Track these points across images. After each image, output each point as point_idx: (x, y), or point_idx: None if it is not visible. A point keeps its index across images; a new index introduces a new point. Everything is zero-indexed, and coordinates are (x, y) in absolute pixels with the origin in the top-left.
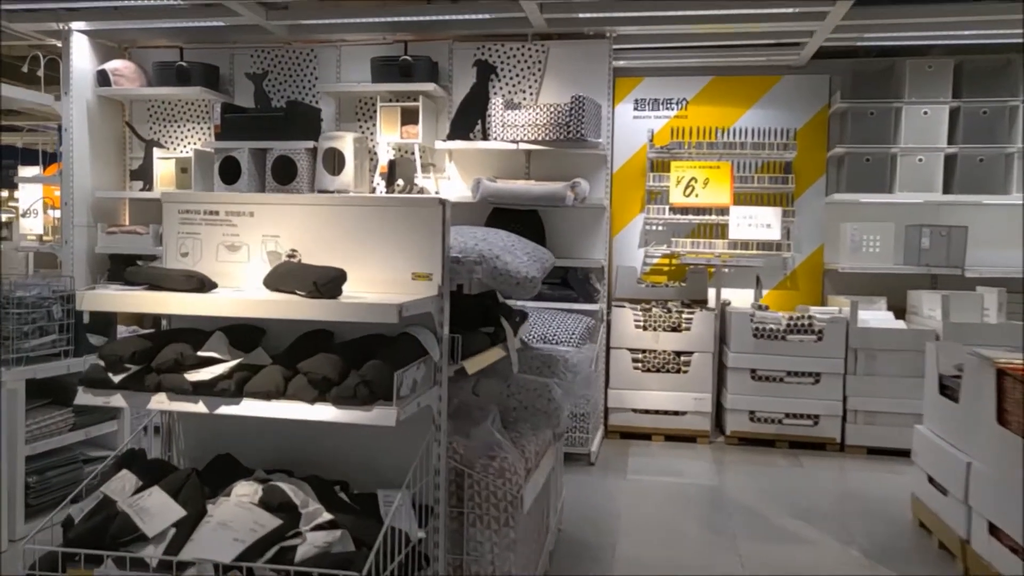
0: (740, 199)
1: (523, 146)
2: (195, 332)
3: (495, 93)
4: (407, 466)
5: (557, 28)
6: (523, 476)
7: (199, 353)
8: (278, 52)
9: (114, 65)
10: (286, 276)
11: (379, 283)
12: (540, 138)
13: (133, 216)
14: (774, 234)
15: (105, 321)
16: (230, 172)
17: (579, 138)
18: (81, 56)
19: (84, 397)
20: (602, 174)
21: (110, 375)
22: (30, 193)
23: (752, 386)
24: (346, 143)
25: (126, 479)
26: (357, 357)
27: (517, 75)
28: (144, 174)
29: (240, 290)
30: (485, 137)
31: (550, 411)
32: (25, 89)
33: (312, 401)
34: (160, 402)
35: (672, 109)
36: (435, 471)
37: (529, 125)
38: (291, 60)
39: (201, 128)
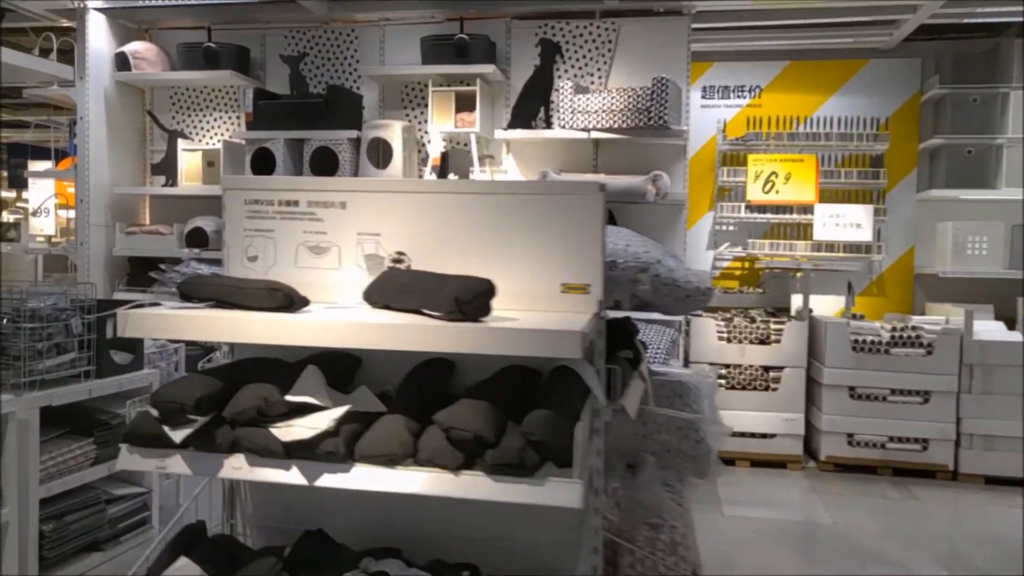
0: (824, 196)
1: (595, 134)
2: (272, 364)
3: (559, 76)
4: (548, 541)
5: (628, 4)
6: (698, 551)
7: (289, 397)
8: (315, 32)
9: (135, 47)
10: (404, 290)
11: (516, 298)
12: (616, 125)
13: (154, 215)
14: (864, 235)
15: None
16: (263, 165)
17: (661, 125)
18: (98, 37)
19: (130, 460)
20: (680, 166)
21: (167, 429)
22: (41, 190)
23: (851, 406)
24: (394, 132)
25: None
26: (501, 401)
27: (583, 56)
28: (167, 168)
29: (337, 306)
30: (548, 125)
31: (699, 455)
32: (37, 58)
33: (456, 469)
34: (237, 468)
35: (744, 97)
36: (592, 550)
37: (603, 111)
38: (329, 41)
39: (229, 117)
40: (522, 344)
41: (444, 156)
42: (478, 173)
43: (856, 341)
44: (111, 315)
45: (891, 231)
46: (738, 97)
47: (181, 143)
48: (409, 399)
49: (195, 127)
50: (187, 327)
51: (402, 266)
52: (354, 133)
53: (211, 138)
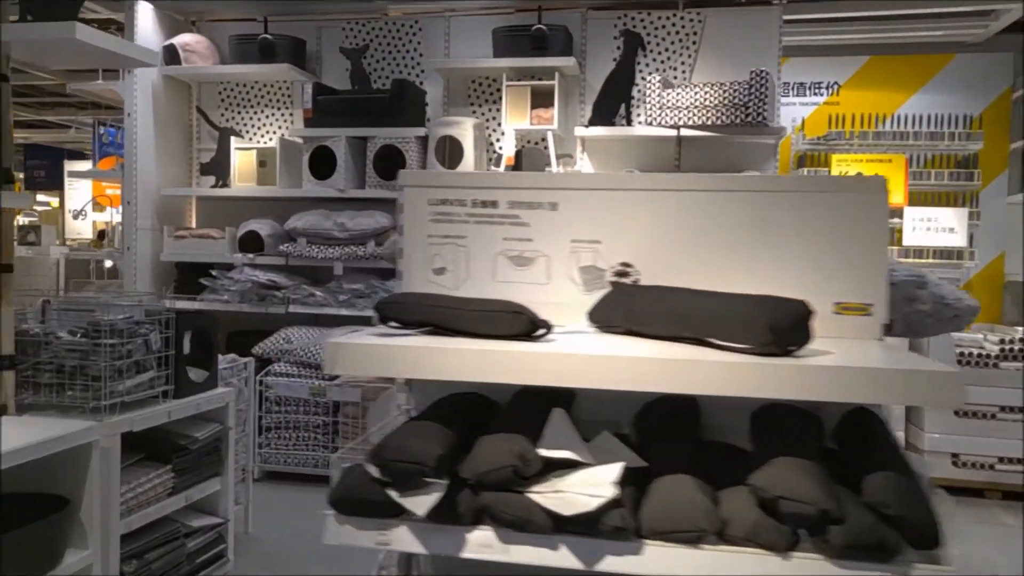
0: (913, 198)
1: (685, 132)
2: (479, 403)
3: (640, 71)
4: None
5: None
6: None
7: (544, 452)
8: (375, 24)
9: (184, 40)
10: (667, 313)
11: None
12: (709, 122)
13: (200, 218)
14: (957, 240)
15: (207, 350)
16: (322, 165)
17: (760, 122)
18: (146, 29)
19: (340, 532)
20: (770, 166)
21: (396, 496)
22: (80, 192)
23: (956, 424)
24: (465, 130)
25: None
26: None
27: (665, 49)
28: (217, 168)
29: (567, 330)
30: (629, 122)
31: None
32: (121, 40)
33: (784, 550)
34: (486, 546)
35: (821, 94)
36: None
37: (695, 107)
38: (391, 33)
39: (281, 114)
40: (882, 389)
41: (518, 155)
42: (559, 173)
43: (962, 354)
44: (336, 345)
45: (980, 236)
46: (815, 94)
47: (234, 141)
48: (669, 450)
49: (245, 125)
50: (423, 363)
51: (627, 280)
52: (421, 130)
53: (261, 136)
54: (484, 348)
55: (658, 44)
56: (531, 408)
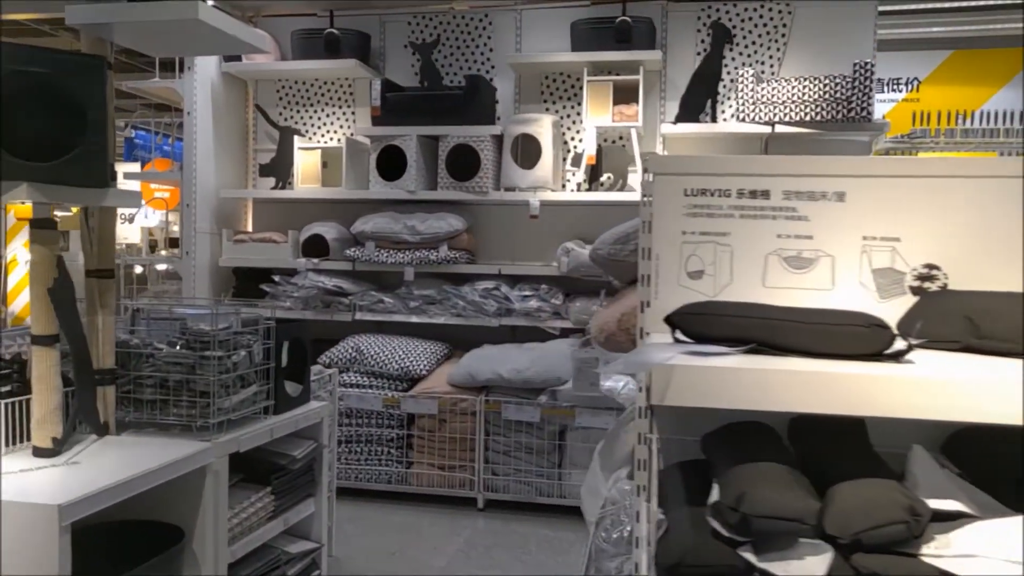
0: None
1: (763, 129)
2: (772, 435)
3: (725, 65)
4: None
5: None
6: None
7: (933, 503)
8: (443, 18)
9: None
10: None
11: None
12: (807, 117)
13: (257, 221)
14: None
15: (301, 362)
16: (392, 165)
17: (864, 117)
18: None
19: None
20: None
21: (753, 559)
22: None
23: None
24: (543, 127)
25: None
26: None
27: (752, 42)
28: (277, 169)
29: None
30: (714, 118)
31: None
32: (239, 22)
33: None
34: None
35: (900, 90)
36: None
37: (792, 102)
38: (459, 27)
39: (343, 112)
40: None
41: (598, 153)
42: (640, 173)
43: None
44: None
45: None
46: (893, 91)
47: (296, 141)
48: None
49: (303, 123)
50: (796, 394)
51: (934, 285)
52: (497, 128)
53: (321, 136)
54: (874, 374)
55: (744, 37)
56: (837, 442)
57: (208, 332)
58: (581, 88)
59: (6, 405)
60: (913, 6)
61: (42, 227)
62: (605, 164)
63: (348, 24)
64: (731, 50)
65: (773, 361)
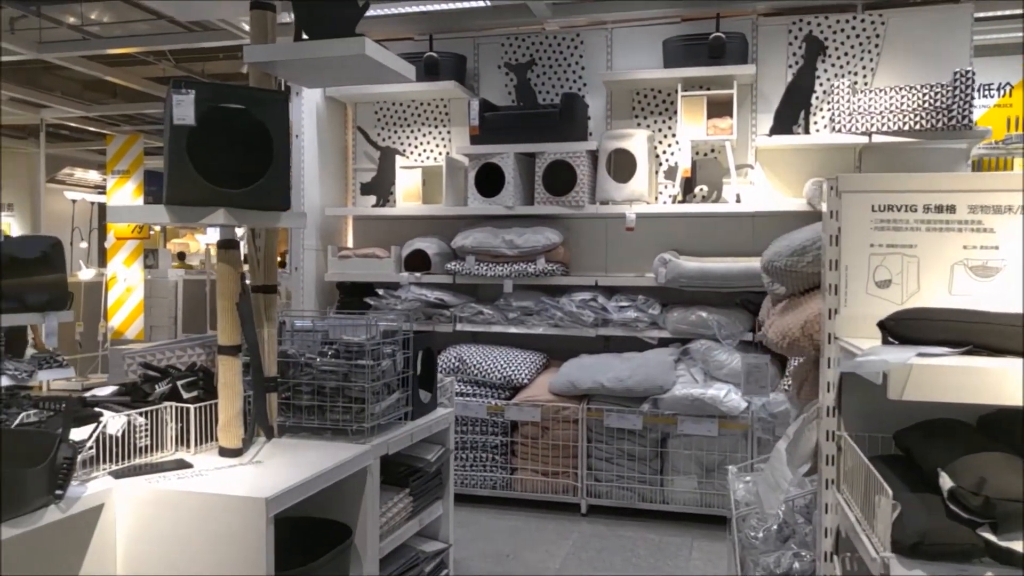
0: None
1: (877, 138)
2: (966, 428)
3: (818, 76)
4: None
5: None
6: None
7: None
8: (535, 39)
9: None
10: None
11: None
12: (906, 126)
13: (357, 237)
14: None
15: (429, 370)
16: (489, 182)
17: (965, 125)
18: None
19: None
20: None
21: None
22: None
23: None
24: (638, 142)
25: None
26: None
27: (845, 53)
28: (378, 187)
29: None
30: (807, 130)
31: None
32: (389, 53)
33: None
34: None
35: (992, 96)
36: None
37: (890, 111)
38: (551, 47)
39: (439, 131)
40: None
41: (693, 167)
42: (735, 185)
43: None
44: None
45: None
46: (985, 96)
47: (399, 161)
48: None
49: (401, 143)
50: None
51: None
52: (592, 144)
53: (418, 155)
54: None
55: (837, 48)
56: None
57: (358, 342)
58: (673, 103)
59: (196, 409)
60: (1010, 11)
61: (227, 248)
62: (700, 176)
63: (445, 47)
64: (823, 62)
65: (995, 360)
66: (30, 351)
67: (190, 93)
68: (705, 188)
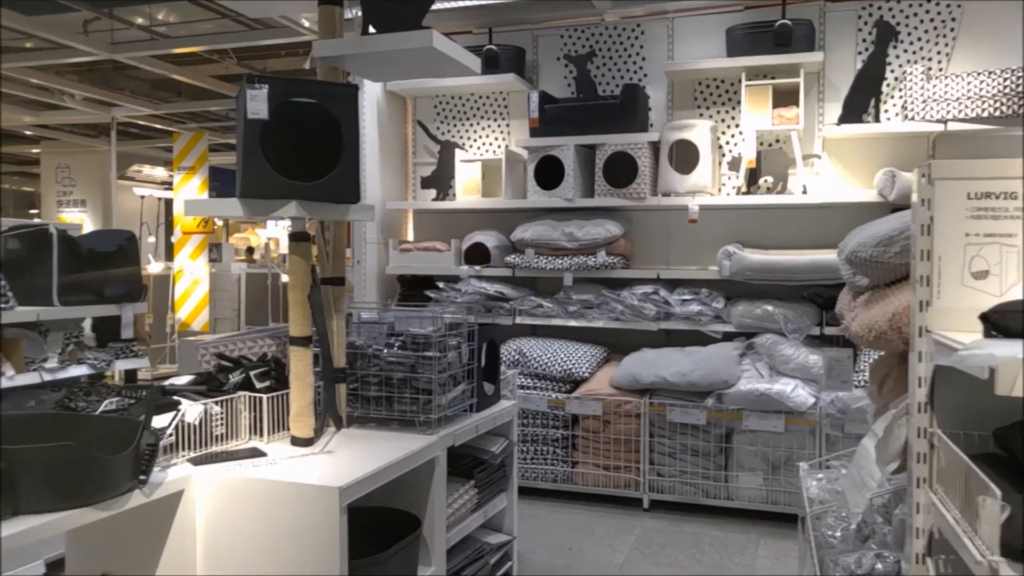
0: None
1: (954, 126)
2: None
3: (888, 63)
4: None
5: None
6: None
7: None
8: (594, 30)
9: None
10: None
11: None
12: (985, 113)
13: (417, 231)
14: None
15: (493, 362)
16: (549, 175)
17: None
18: None
19: None
20: None
21: None
22: None
23: None
24: (701, 133)
25: None
26: None
27: (918, 39)
28: (438, 181)
29: None
30: (876, 118)
31: None
32: (456, 45)
33: None
34: None
35: None
36: None
37: (969, 97)
38: (611, 38)
39: (497, 124)
40: None
41: (757, 158)
42: (801, 175)
43: None
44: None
45: None
46: None
47: (459, 155)
48: None
49: (460, 137)
50: None
51: None
52: (654, 135)
53: (477, 148)
54: None
55: (909, 34)
56: None
57: (425, 334)
58: (737, 93)
59: (268, 399)
60: None
61: (299, 240)
62: (765, 167)
63: (504, 40)
64: (895, 47)
65: None
66: (127, 335)
67: (264, 88)
68: (770, 179)
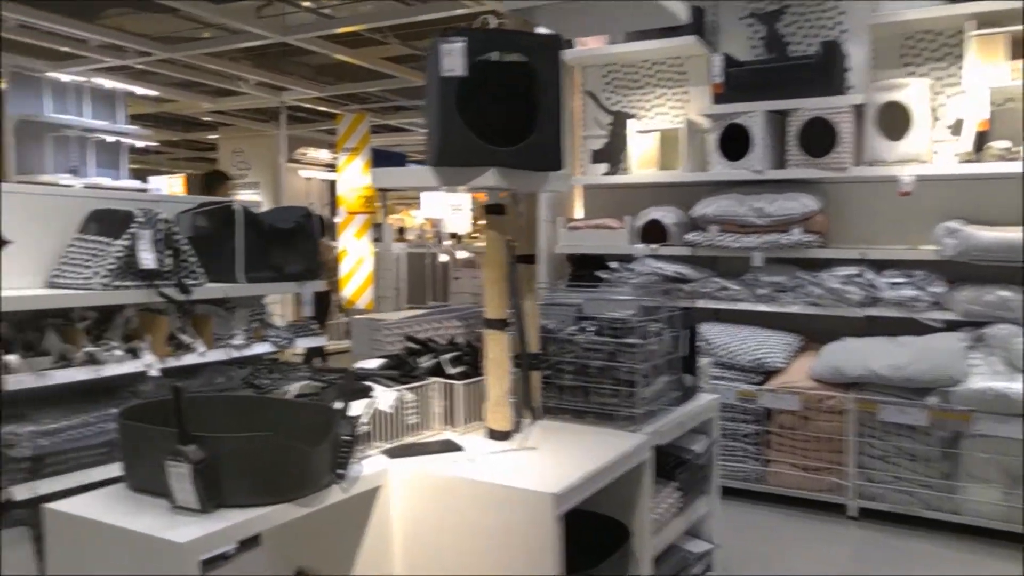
0: None
1: None
2: None
3: None
4: None
5: None
6: None
7: None
8: None
9: None
10: None
11: None
12: None
13: (588, 207)
14: None
15: (691, 351)
16: (735, 145)
17: None
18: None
19: None
20: None
21: None
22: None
23: None
24: (914, 94)
25: None
26: None
27: None
28: (610, 154)
29: None
30: None
31: None
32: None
33: None
34: None
35: None
36: None
37: None
38: None
39: (674, 92)
40: None
41: (992, 119)
42: None
43: None
44: None
45: None
46: None
47: (634, 125)
48: None
49: (633, 107)
50: None
51: None
52: (858, 98)
53: (651, 118)
54: None
55: None
56: None
57: (623, 318)
58: (957, 45)
59: (463, 387)
60: None
61: (495, 213)
62: (996, 130)
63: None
64: None
65: None
66: (307, 313)
67: (460, 41)
68: (1008, 144)
